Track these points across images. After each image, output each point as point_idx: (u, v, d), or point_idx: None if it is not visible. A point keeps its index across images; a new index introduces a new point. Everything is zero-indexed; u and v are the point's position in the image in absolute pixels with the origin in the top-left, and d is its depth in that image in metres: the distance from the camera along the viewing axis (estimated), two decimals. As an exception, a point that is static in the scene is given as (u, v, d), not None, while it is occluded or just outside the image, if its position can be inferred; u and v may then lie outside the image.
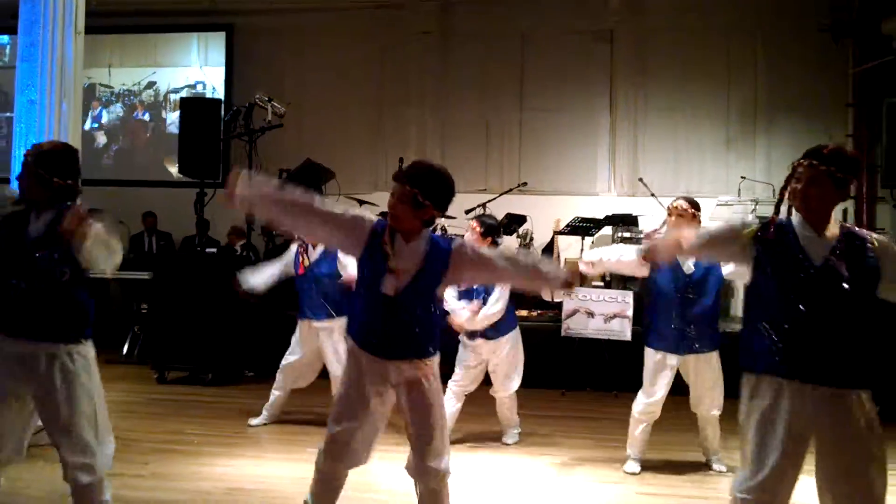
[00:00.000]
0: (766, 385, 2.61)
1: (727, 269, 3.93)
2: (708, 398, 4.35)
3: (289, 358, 5.29)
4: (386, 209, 2.92)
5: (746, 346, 2.70)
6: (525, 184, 8.97)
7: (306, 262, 5.17)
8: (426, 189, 2.73)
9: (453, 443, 4.80)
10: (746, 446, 2.63)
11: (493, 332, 4.77)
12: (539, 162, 10.13)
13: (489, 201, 8.47)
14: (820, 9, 9.55)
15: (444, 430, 2.94)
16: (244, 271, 5.12)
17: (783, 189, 2.66)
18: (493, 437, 5.11)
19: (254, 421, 5.33)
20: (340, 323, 5.15)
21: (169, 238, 10.03)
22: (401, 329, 2.79)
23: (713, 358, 4.34)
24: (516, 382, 4.91)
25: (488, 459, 4.70)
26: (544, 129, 10.20)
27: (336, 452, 2.88)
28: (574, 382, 6.79)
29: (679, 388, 4.54)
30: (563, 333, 6.60)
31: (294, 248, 5.30)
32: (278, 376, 5.33)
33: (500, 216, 7.78)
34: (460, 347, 4.87)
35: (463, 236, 4.70)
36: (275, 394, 5.34)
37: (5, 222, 3.02)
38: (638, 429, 4.50)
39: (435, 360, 2.91)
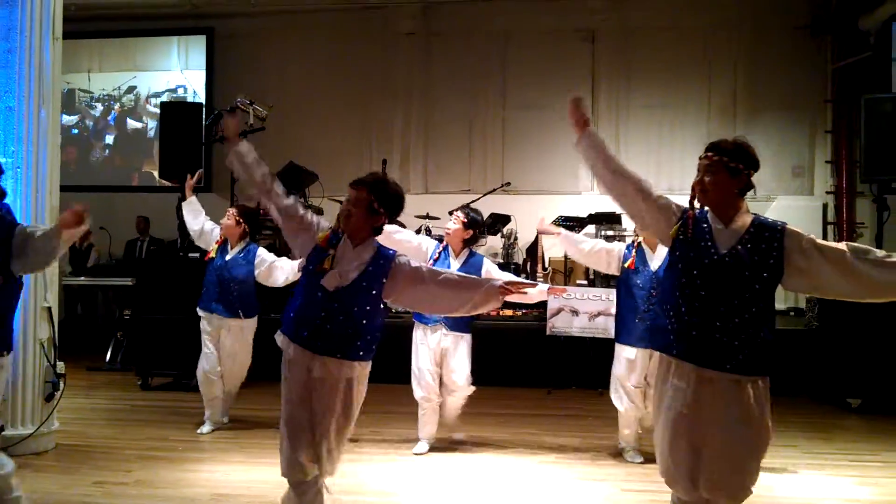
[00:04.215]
0: (666, 364, 2.71)
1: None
2: None
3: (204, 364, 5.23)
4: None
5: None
6: (509, 184, 8.99)
7: (212, 254, 5.17)
8: (382, 198, 2.92)
9: (437, 448, 4.83)
10: (657, 427, 2.73)
11: (455, 325, 4.70)
12: (522, 161, 10.16)
13: (473, 202, 8.43)
14: (799, 6, 9.65)
15: (345, 438, 3.00)
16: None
17: (694, 183, 2.73)
18: (477, 438, 5.13)
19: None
20: (245, 323, 5.20)
21: (162, 244, 9.94)
22: (334, 326, 2.88)
23: None
24: (470, 383, 4.84)
25: (474, 459, 4.70)
26: (527, 128, 10.23)
27: (293, 455, 2.92)
28: (559, 381, 6.81)
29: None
30: (548, 332, 6.60)
31: (216, 229, 5.27)
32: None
33: (484, 216, 7.79)
34: (413, 358, 4.79)
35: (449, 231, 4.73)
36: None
37: None
38: (628, 424, 4.68)
39: (364, 366, 2.98)
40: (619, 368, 4.62)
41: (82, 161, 11.27)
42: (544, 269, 8.75)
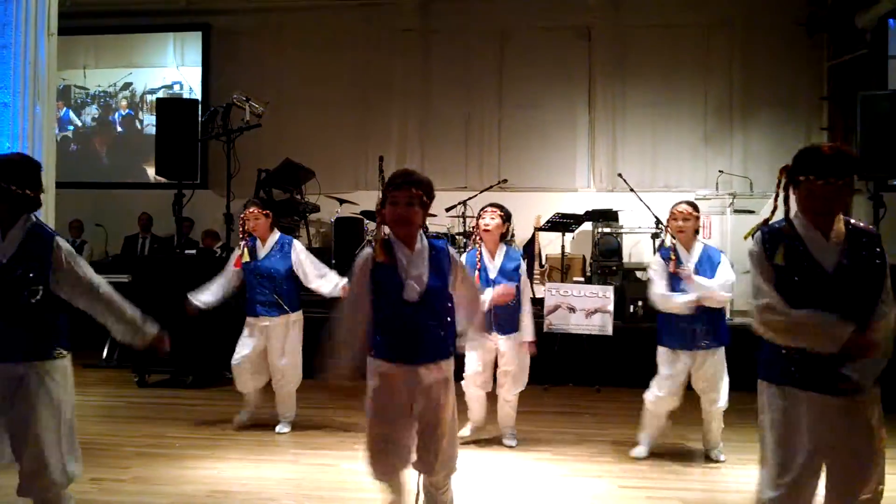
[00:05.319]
0: (785, 395, 2.53)
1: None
2: (714, 393, 4.43)
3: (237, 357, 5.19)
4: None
5: (764, 356, 2.63)
6: (505, 181, 9.00)
7: (245, 258, 5.07)
8: (427, 190, 2.86)
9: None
10: (767, 453, 2.57)
11: (511, 328, 4.72)
12: (519, 158, 10.17)
13: (470, 198, 8.48)
14: (795, 4, 9.66)
15: (457, 427, 3.07)
16: (194, 292, 5.05)
17: (777, 198, 2.56)
18: (474, 434, 5.12)
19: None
20: (293, 318, 5.13)
21: (160, 240, 9.92)
22: (427, 332, 2.88)
23: (720, 353, 4.44)
24: (524, 383, 4.87)
25: (470, 455, 4.70)
26: (524, 126, 10.25)
27: (383, 466, 2.94)
28: (556, 378, 6.82)
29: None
30: (545, 329, 6.61)
31: (229, 266, 5.16)
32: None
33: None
34: (468, 355, 4.78)
35: (474, 232, 4.84)
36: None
37: None
38: (652, 418, 4.62)
39: (452, 361, 3.01)
40: (664, 370, 4.49)
41: (78, 157, 11.23)
42: (541, 265, 8.77)
